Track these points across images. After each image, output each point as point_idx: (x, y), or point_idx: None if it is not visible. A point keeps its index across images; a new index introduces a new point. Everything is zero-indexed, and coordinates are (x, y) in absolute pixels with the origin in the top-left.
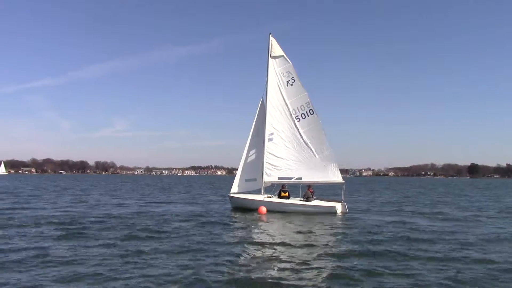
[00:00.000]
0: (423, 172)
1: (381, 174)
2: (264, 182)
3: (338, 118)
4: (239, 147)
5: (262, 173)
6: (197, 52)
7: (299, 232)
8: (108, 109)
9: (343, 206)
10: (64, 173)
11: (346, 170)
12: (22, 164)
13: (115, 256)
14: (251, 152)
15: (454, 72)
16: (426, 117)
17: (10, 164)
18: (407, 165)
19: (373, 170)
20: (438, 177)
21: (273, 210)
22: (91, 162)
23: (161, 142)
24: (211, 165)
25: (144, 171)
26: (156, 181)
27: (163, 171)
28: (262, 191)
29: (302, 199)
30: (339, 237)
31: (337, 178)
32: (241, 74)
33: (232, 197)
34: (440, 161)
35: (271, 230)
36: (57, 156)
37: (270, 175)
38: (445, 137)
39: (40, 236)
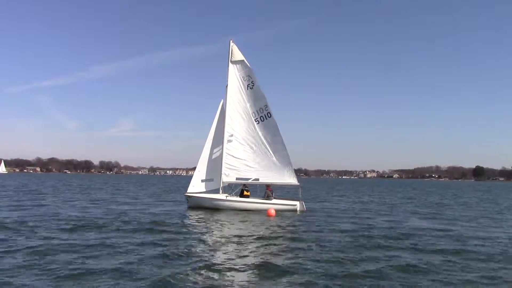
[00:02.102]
0: (427, 175)
1: (386, 176)
2: (222, 182)
3: (341, 120)
4: None
5: (221, 174)
6: (201, 53)
7: (259, 229)
8: (113, 109)
9: (301, 205)
10: (69, 172)
11: (350, 172)
12: (27, 163)
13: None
14: (209, 153)
15: (459, 73)
16: (431, 119)
17: (15, 163)
18: (412, 167)
19: (377, 172)
20: (443, 179)
21: (236, 208)
22: (96, 162)
23: (166, 142)
24: None
25: (148, 171)
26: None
27: (167, 171)
28: (221, 191)
29: (263, 198)
30: (295, 233)
31: (293, 180)
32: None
33: (191, 196)
34: (445, 164)
35: (232, 228)
36: (62, 156)
37: (229, 175)
38: (450, 139)
39: None
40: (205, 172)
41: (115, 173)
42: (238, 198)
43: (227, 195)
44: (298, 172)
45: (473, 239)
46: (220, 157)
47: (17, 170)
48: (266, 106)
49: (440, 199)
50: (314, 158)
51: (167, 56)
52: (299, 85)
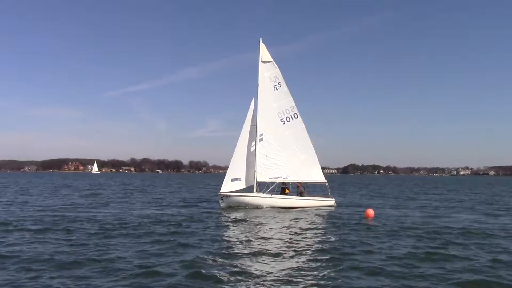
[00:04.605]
0: None
1: (480, 174)
2: (256, 181)
3: (431, 114)
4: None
5: (255, 172)
6: (288, 53)
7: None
8: (201, 110)
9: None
10: (161, 172)
11: (442, 169)
12: (122, 164)
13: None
14: (241, 152)
15: None
16: None
17: (112, 164)
18: (509, 163)
19: (471, 169)
20: None
21: (279, 206)
22: (185, 162)
23: None
24: None
25: None
26: None
27: None
28: (255, 189)
29: (297, 195)
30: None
31: (321, 178)
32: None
33: (229, 195)
34: None
35: (278, 225)
36: (154, 156)
37: (262, 174)
38: None
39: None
40: (234, 172)
41: (204, 172)
42: (284, 196)
43: (266, 192)
44: (386, 170)
45: None
46: (251, 156)
47: (114, 170)
48: (293, 107)
49: None
50: (404, 155)
51: (251, 56)
52: (386, 81)
